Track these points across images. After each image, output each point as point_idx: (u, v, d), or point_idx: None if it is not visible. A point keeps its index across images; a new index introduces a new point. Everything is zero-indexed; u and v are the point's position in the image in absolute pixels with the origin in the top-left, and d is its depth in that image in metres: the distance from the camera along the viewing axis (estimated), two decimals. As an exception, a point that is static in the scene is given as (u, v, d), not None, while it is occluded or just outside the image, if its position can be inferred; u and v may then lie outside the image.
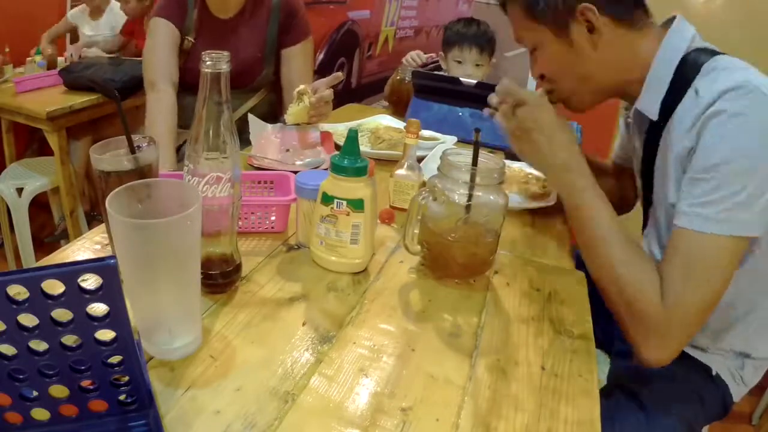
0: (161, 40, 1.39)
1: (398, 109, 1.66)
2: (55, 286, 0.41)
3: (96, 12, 2.65)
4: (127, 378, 0.49)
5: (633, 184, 1.10)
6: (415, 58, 1.80)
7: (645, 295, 0.75)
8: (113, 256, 0.41)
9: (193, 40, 1.43)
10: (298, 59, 1.52)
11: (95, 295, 0.43)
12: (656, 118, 0.85)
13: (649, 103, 0.85)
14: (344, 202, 0.74)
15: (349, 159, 0.74)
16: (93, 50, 2.59)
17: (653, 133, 0.88)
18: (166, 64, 1.39)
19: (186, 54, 1.45)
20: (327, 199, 0.75)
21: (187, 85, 1.45)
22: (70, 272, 0.41)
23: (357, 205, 0.74)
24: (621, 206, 1.10)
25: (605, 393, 0.97)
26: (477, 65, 1.82)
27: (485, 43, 1.81)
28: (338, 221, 0.75)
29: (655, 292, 0.75)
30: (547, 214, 1.06)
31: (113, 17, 2.66)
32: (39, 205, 2.33)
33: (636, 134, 0.98)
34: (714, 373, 0.93)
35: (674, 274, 0.74)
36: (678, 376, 0.92)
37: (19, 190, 2.15)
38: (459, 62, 1.82)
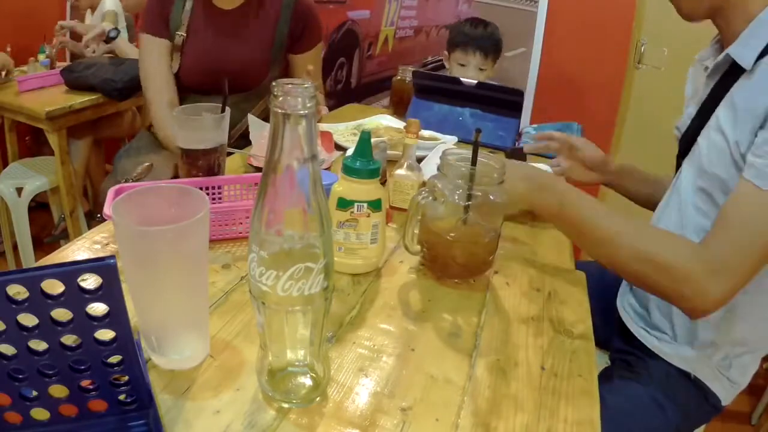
0: (151, 61, 1.37)
1: (399, 109, 1.66)
2: (54, 286, 0.41)
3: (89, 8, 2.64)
4: (126, 378, 0.49)
5: None
6: None
7: (676, 257, 0.77)
8: (113, 256, 0.41)
9: (184, 34, 1.37)
10: (310, 63, 1.46)
11: (95, 294, 0.42)
12: (749, 68, 0.84)
13: (745, 53, 0.84)
14: (365, 205, 0.74)
15: (362, 161, 0.73)
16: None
17: (730, 76, 0.88)
18: (160, 87, 1.38)
19: (180, 51, 1.39)
20: (345, 204, 0.74)
21: (185, 86, 1.43)
22: (69, 272, 0.41)
23: (376, 205, 0.75)
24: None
25: (607, 374, 0.99)
26: (481, 69, 1.77)
27: (490, 46, 1.76)
28: (359, 224, 0.75)
29: (682, 249, 0.77)
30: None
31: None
32: (39, 205, 2.33)
33: (700, 76, 0.98)
34: (693, 377, 0.93)
35: (729, 219, 0.76)
36: (671, 376, 0.93)
37: (19, 190, 2.15)
38: (462, 65, 1.78)
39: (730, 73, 0.88)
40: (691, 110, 0.98)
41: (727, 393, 0.95)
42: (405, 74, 1.65)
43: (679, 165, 1.01)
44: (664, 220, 0.97)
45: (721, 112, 0.87)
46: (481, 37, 1.75)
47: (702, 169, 0.89)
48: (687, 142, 0.97)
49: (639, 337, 0.98)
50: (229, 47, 1.38)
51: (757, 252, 0.75)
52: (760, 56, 0.82)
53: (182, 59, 1.40)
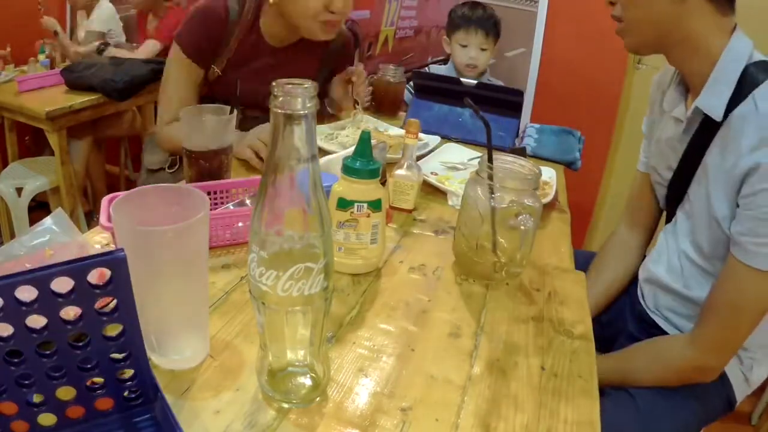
0: (179, 83, 1.27)
1: (382, 109, 1.59)
2: (62, 284, 0.40)
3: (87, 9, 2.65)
4: (132, 372, 0.49)
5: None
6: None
7: (676, 363, 0.89)
8: (122, 249, 0.41)
9: (219, 72, 1.29)
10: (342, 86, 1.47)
11: (105, 289, 0.42)
12: (720, 119, 0.83)
13: (713, 103, 0.84)
14: (365, 205, 0.74)
15: (362, 161, 0.73)
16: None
17: (705, 130, 0.87)
18: (177, 106, 1.26)
19: (209, 83, 1.31)
20: (345, 204, 0.74)
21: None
22: (80, 267, 0.40)
23: (376, 205, 0.75)
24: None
25: (603, 392, 0.98)
26: (482, 49, 1.80)
27: (491, 26, 1.79)
28: (359, 224, 0.75)
29: (676, 351, 0.89)
30: (547, 213, 1.06)
31: (102, 12, 2.63)
32: (39, 205, 2.33)
33: (674, 127, 0.96)
34: (723, 373, 0.94)
35: (723, 301, 0.83)
36: None
37: (19, 190, 2.15)
38: (464, 46, 1.80)
39: (705, 125, 0.87)
40: (671, 163, 0.98)
41: (742, 393, 0.96)
42: (387, 73, 1.57)
43: (671, 211, 1.02)
44: (662, 265, 1.00)
45: (708, 172, 0.87)
46: (482, 17, 1.79)
47: (694, 226, 0.92)
48: (676, 190, 0.98)
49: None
50: (270, 80, 1.33)
51: (750, 328, 0.83)
52: (731, 105, 0.82)
53: (214, 87, 1.33)
